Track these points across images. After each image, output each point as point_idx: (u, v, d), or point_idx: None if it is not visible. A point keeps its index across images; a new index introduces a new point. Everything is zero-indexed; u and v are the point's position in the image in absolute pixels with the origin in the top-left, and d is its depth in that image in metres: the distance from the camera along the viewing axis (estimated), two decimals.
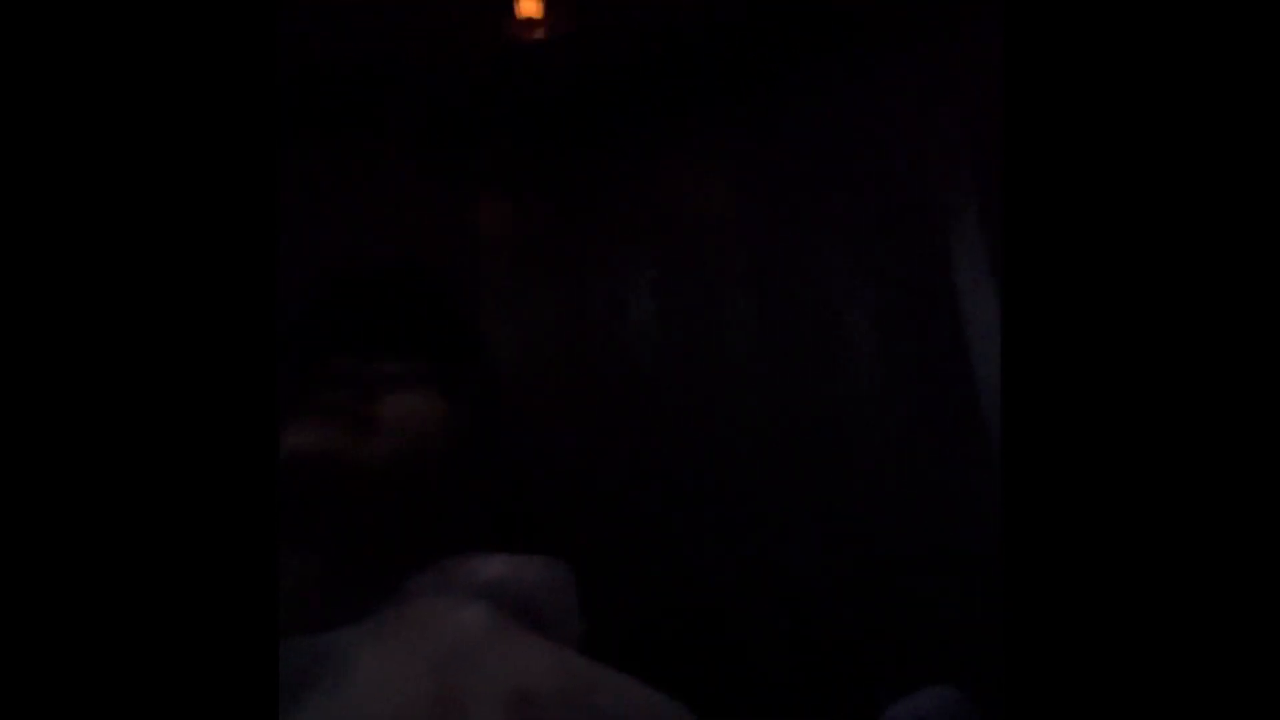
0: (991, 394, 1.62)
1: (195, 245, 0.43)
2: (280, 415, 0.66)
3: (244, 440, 0.42)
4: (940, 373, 1.66)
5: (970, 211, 1.73)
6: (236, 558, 0.41)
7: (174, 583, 0.40)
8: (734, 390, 1.88)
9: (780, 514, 1.71)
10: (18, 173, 0.41)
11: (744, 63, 1.84)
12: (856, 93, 1.76)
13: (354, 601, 0.61)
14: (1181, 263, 0.42)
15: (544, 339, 2.08)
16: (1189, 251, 0.42)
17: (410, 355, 0.72)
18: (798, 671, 1.66)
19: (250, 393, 0.42)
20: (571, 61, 1.86)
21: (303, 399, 0.67)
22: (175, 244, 0.42)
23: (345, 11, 1.64)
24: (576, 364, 2.10)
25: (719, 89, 1.88)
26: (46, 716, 0.37)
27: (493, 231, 2.05)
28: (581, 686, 0.56)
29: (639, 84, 1.94)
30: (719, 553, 1.80)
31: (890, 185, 1.74)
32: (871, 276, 1.73)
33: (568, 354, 2.10)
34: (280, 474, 0.63)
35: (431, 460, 0.68)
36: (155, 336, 0.41)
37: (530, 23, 1.63)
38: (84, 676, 0.38)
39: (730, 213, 1.90)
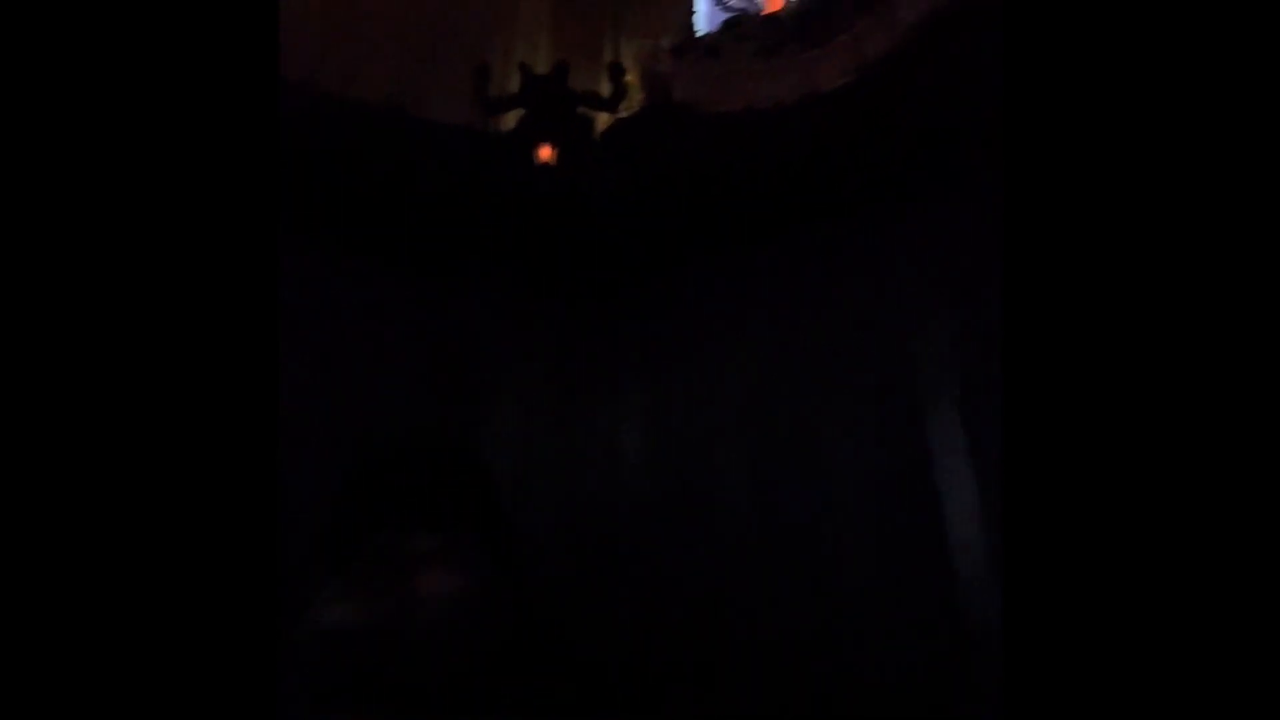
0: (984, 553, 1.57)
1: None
2: (320, 590, 0.70)
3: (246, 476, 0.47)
4: (933, 537, 1.63)
5: (955, 375, 1.72)
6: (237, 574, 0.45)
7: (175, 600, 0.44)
8: (728, 536, 1.83)
9: (790, 665, 1.63)
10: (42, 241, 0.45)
11: (745, 218, 1.91)
12: (854, 251, 1.80)
13: None
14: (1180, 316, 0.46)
15: (542, 480, 2.05)
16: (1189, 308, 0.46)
17: (442, 529, 0.75)
18: None
19: (252, 412, 0.47)
20: (582, 208, 1.93)
21: (341, 575, 0.70)
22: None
23: (370, 147, 1.72)
24: (574, 507, 2.05)
25: (718, 241, 1.94)
26: None
27: (495, 372, 2.07)
28: None
29: (642, 234, 2.00)
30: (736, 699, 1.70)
31: (882, 341, 1.75)
32: (857, 422, 1.71)
33: (565, 495, 2.06)
34: (320, 648, 0.66)
35: (461, 632, 0.71)
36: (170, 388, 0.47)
37: (546, 169, 1.70)
38: (83, 692, 0.41)
39: (725, 355, 1.91)
